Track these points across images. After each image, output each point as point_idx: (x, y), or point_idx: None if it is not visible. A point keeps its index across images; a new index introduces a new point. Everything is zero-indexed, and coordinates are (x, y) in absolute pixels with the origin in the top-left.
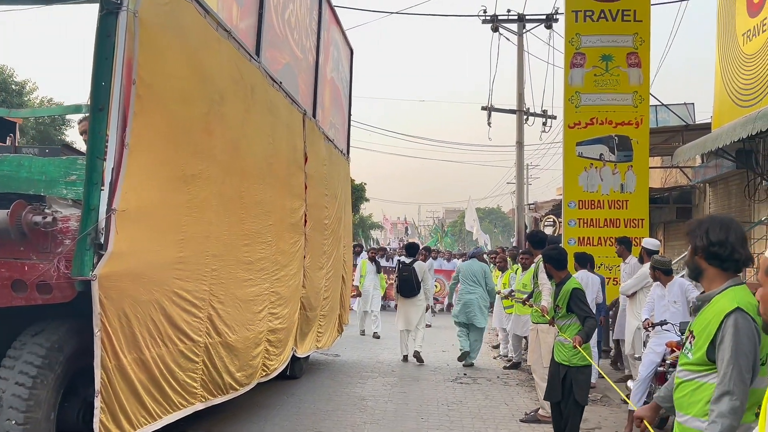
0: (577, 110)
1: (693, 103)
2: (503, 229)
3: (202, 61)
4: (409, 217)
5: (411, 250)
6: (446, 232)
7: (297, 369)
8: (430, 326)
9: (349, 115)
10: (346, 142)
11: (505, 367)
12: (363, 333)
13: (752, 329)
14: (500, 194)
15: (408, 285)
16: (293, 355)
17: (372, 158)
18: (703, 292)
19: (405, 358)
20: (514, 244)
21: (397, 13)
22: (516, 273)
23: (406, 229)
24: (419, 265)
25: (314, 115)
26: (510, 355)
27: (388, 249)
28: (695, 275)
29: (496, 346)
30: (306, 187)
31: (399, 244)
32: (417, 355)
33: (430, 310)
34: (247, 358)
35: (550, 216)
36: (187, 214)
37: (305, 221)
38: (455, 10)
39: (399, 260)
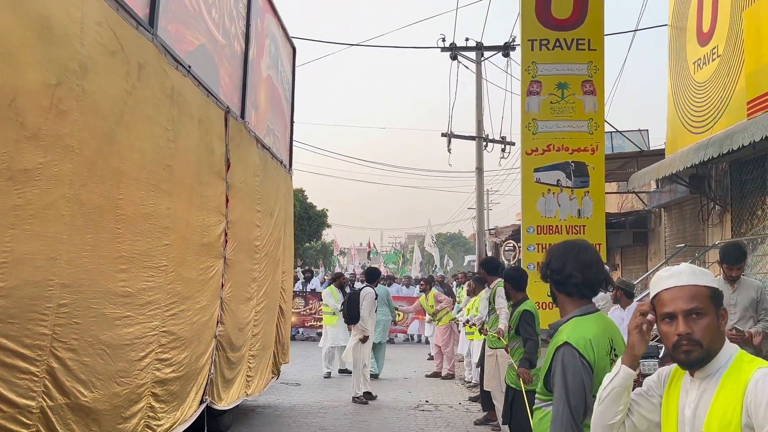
0: (534, 137)
1: (647, 130)
2: (466, 252)
3: (46, 8)
4: (373, 239)
5: (369, 275)
6: (405, 259)
7: (223, 423)
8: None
9: (292, 122)
10: (288, 152)
11: (471, 398)
12: (328, 375)
13: (578, 365)
14: (462, 219)
15: (346, 311)
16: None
17: (333, 184)
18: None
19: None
20: (475, 270)
21: (357, 45)
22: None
23: (368, 254)
24: (364, 292)
25: (243, 116)
26: (475, 380)
27: (346, 275)
28: (554, 300)
29: (431, 358)
30: (228, 200)
31: (360, 269)
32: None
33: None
34: (115, 421)
35: (510, 241)
36: (13, 226)
37: (225, 241)
38: (415, 38)
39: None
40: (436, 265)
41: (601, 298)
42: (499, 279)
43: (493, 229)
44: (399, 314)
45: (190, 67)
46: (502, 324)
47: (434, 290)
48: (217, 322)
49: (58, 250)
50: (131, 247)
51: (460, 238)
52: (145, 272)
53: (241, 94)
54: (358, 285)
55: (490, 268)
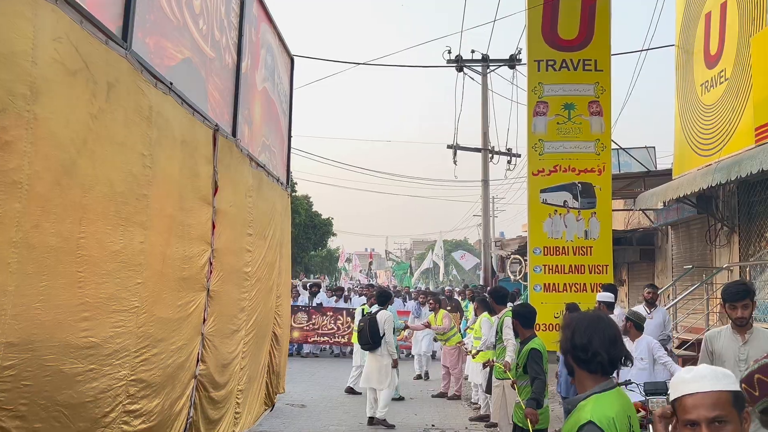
0: (540, 158)
1: (654, 147)
2: (470, 261)
3: None
4: (377, 249)
5: (380, 298)
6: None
7: None
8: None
9: (290, 136)
10: (285, 168)
11: (471, 419)
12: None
13: None
14: (467, 226)
15: (363, 337)
16: None
17: (339, 193)
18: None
19: (369, 421)
20: (481, 282)
21: (364, 64)
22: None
23: (370, 264)
24: (381, 316)
25: (234, 133)
26: (479, 403)
27: (348, 288)
28: (570, 372)
29: (418, 377)
30: (214, 227)
31: (365, 279)
32: (380, 422)
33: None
34: None
35: (517, 256)
36: None
37: (210, 272)
38: (422, 51)
39: (363, 311)
40: (437, 278)
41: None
42: (507, 309)
43: (498, 242)
44: (401, 332)
45: (171, 83)
46: (509, 356)
47: (443, 310)
48: (198, 361)
49: (1, 303)
50: (95, 292)
51: (465, 245)
52: (113, 318)
53: (232, 109)
54: (356, 298)
55: (498, 297)
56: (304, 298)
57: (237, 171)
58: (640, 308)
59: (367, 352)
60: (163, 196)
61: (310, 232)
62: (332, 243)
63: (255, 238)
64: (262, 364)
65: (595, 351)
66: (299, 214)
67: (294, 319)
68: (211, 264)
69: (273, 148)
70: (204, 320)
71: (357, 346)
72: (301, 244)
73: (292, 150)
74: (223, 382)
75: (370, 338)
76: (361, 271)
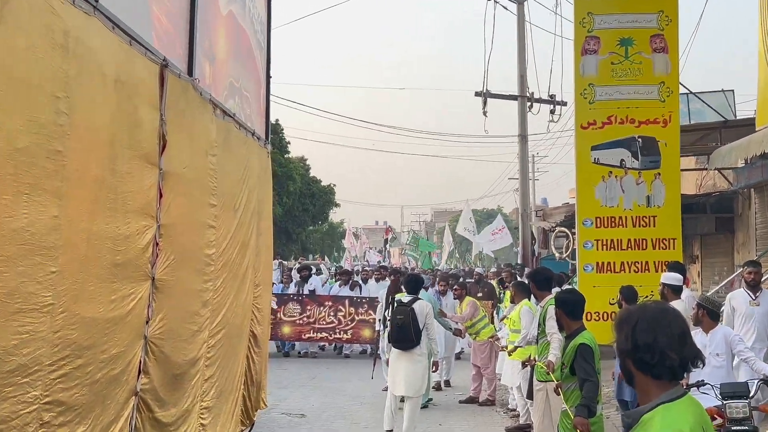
0: (591, 107)
1: (732, 91)
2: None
3: None
4: (391, 222)
5: (413, 285)
6: (417, 241)
7: None
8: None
9: (268, 77)
10: (263, 118)
11: (508, 429)
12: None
13: None
14: (501, 192)
15: (402, 333)
16: None
17: (343, 155)
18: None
19: None
20: (518, 261)
21: None
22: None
23: (386, 241)
24: (420, 306)
25: (190, 71)
26: (517, 410)
27: (358, 271)
28: (628, 380)
29: (437, 386)
30: (161, 195)
31: (376, 260)
32: None
33: (436, 366)
34: None
35: (563, 229)
36: None
37: (156, 255)
38: None
39: (393, 299)
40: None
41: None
42: (552, 296)
43: (540, 211)
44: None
45: (97, 1)
46: (553, 355)
47: (469, 297)
48: (139, 373)
49: None
50: None
51: (499, 214)
52: (15, 320)
53: (186, 40)
54: (373, 283)
55: (540, 281)
56: (292, 285)
57: (194, 121)
58: (740, 293)
59: (398, 351)
60: (86, 153)
61: (307, 203)
62: (335, 215)
63: (221, 209)
64: (238, 373)
65: (662, 352)
66: (294, 180)
67: (284, 311)
68: (157, 245)
69: (245, 92)
70: (148, 319)
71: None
72: (297, 217)
73: (278, 98)
74: (175, 399)
75: (414, 335)
76: (370, 249)
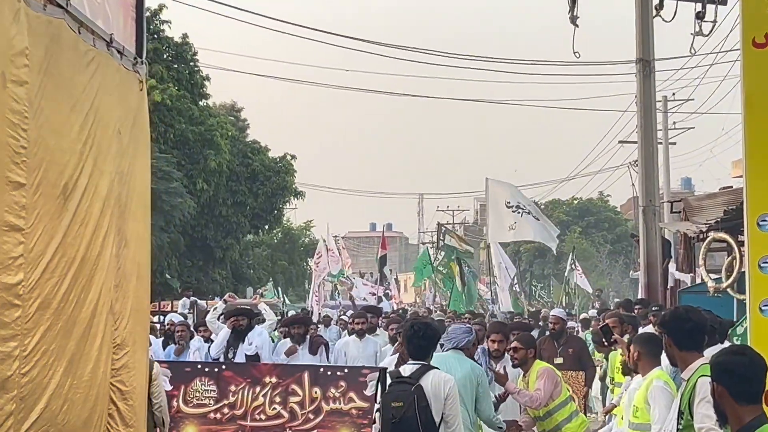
0: None
1: None
2: (613, 245)
3: None
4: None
5: (419, 343)
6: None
7: None
8: None
9: None
10: (130, 19)
11: None
12: None
13: None
14: (605, 169)
15: (405, 428)
16: None
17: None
18: None
19: None
20: (641, 295)
21: None
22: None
23: (382, 260)
24: (435, 383)
25: None
26: None
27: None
28: None
29: None
30: None
31: (365, 295)
32: None
33: None
34: None
35: (722, 236)
36: None
37: None
38: None
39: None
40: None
41: None
42: (703, 361)
43: (679, 200)
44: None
45: None
46: None
47: (540, 363)
48: None
49: None
50: None
51: (600, 208)
52: None
53: None
54: (349, 340)
55: (678, 332)
56: (201, 345)
57: None
58: None
59: None
60: None
61: (244, 190)
62: (292, 212)
63: (35, 195)
64: None
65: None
66: (218, 148)
67: (186, 395)
68: None
69: None
70: None
71: None
72: (224, 217)
73: None
74: None
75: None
76: (353, 274)
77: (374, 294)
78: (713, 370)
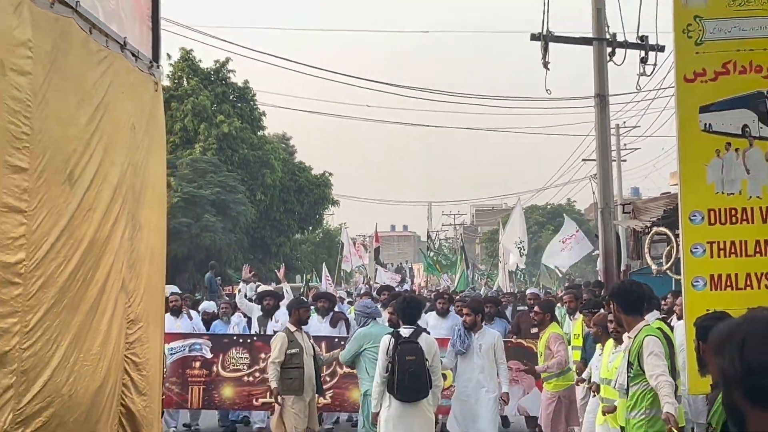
0: (698, 50)
1: None
2: (580, 243)
3: None
4: (413, 227)
5: (410, 310)
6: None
7: None
8: None
9: None
10: (146, 26)
11: None
12: None
13: None
14: (572, 181)
15: (416, 380)
16: None
17: (341, 131)
18: None
19: None
20: (599, 276)
21: None
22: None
23: (377, 251)
24: (428, 343)
25: None
26: None
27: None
28: (734, 419)
29: None
30: None
31: (387, 281)
32: None
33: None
34: None
35: (661, 229)
36: None
37: None
38: None
39: (393, 333)
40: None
41: None
42: (646, 322)
43: (629, 204)
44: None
45: None
46: (670, 405)
47: (555, 326)
48: None
49: None
50: None
51: (569, 213)
52: None
53: None
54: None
55: (629, 302)
56: (238, 321)
57: None
58: None
59: (402, 404)
60: None
61: (292, 200)
62: (331, 217)
63: (39, 179)
64: None
65: None
66: (272, 168)
67: (224, 362)
68: None
69: None
70: None
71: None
72: (277, 221)
73: (251, 50)
74: None
75: (426, 380)
76: (382, 267)
77: (394, 279)
78: (699, 332)
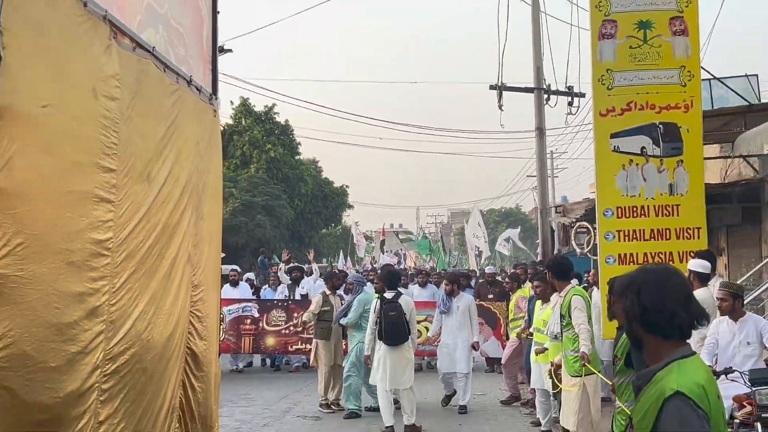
0: (609, 93)
1: (756, 75)
2: (525, 234)
3: None
4: (406, 225)
5: (391, 279)
6: (431, 247)
7: None
8: None
9: (215, 11)
10: (207, 66)
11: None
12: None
13: (695, 420)
14: (519, 190)
15: (397, 329)
16: None
17: (354, 154)
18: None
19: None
20: (539, 257)
21: None
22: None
23: (382, 243)
24: (406, 302)
25: None
26: (537, 417)
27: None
28: (635, 345)
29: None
30: None
31: (375, 260)
32: (416, 429)
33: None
34: None
35: (583, 224)
36: None
37: None
38: None
39: (380, 297)
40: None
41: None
42: (573, 285)
43: (560, 207)
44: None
45: None
46: (585, 346)
47: (522, 290)
48: None
49: None
50: None
51: (518, 214)
52: None
53: None
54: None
55: (559, 271)
56: (281, 288)
57: (68, 42)
58: None
59: (387, 347)
60: None
61: (319, 205)
62: (348, 218)
63: (124, 177)
64: (164, 408)
65: (672, 312)
66: (305, 182)
67: (268, 320)
68: None
69: (176, 25)
70: None
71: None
72: (309, 220)
73: (288, 98)
74: None
75: (405, 329)
76: (385, 253)
77: (393, 260)
78: (609, 288)
